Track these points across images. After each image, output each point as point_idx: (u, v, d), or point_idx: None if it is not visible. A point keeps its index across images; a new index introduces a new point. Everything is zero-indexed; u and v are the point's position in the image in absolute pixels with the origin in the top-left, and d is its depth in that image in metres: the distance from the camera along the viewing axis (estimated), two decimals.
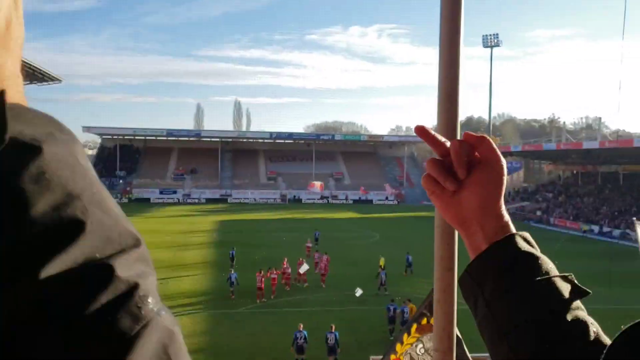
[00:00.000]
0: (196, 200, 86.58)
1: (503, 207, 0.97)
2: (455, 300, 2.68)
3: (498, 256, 0.92)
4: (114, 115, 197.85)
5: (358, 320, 23.59)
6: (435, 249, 2.77)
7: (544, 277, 0.91)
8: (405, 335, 5.59)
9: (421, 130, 0.97)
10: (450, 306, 2.70)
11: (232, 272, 28.82)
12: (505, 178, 0.97)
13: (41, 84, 78.83)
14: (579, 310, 0.93)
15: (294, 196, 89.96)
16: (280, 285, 28.76)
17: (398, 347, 5.66)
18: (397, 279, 30.06)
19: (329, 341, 18.74)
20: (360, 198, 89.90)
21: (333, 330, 18.96)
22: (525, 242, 0.94)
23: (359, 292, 23.32)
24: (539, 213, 71.64)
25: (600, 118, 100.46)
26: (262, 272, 27.09)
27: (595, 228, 59.38)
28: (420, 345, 5.87)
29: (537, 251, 0.96)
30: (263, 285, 26.73)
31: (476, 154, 0.96)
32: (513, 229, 0.96)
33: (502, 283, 0.89)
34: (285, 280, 29.38)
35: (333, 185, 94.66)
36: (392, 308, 21.59)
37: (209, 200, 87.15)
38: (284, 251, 37.67)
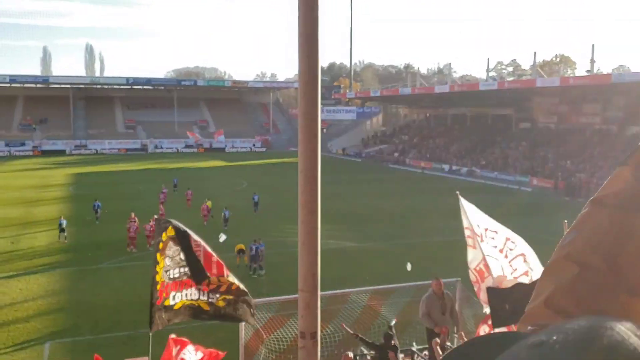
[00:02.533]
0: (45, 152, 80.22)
1: None
2: (318, 242, 2.80)
3: None
4: None
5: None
6: (300, 193, 2.84)
7: None
8: None
9: None
10: (314, 247, 2.81)
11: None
12: None
13: None
14: None
15: (155, 145, 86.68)
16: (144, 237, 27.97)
17: None
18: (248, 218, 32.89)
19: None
20: (225, 146, 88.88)
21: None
22: None
23: (222, 237, 23.33)
24: (396, 154, 75.84)
25: (450, 64, 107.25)
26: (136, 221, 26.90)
27: (446, 167, 64.26)
28: None
29: None
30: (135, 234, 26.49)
31: None
32: None
33: None
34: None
35: (198, 134, 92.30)
36: (254, 247, 23.39)
37: (60, 152, 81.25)
38: (146, 203, 36.54)
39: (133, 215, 27.58)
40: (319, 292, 2.55)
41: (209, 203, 33.23)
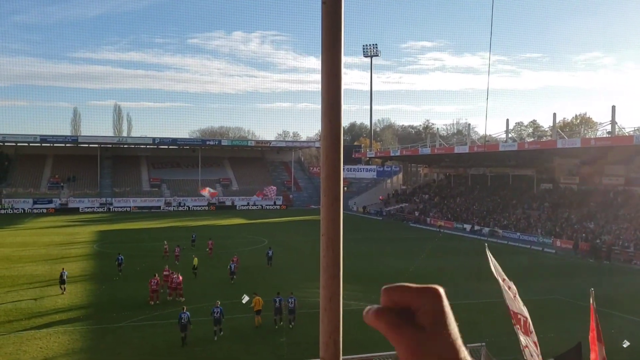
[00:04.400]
0: (76, 210, 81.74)
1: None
2: (340, 307, 2.99)
3: None
4: None
5: (246, 328, 23.67)
6: (322, 257, 3.04)
7: None
8: None
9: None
10: (336, 313, 3.00)
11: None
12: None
13: None
14: None
15: (179, 203, 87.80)
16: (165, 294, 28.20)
17: None
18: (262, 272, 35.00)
19: (214, 314, 22.39)
20: (248, 203, 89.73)
21: (218, 305, 22.67)
22: None
23: (245, 299, 23.41)
24: (416, 213, 75.64)
25: (469, 124, 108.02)
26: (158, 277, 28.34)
27: (467, 227, 63.79)
28: None
29: None
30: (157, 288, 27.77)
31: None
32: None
33: None
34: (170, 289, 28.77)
35: (221, 192, 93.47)
36: (277, 300, 23.99)
37: (89, 210, 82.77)
38: (166, 261, 36.87)
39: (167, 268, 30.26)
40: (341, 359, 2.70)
41: (195, 261, 34.91)
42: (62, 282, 29.60)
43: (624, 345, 19.58)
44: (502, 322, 17.25)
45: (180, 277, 28.95)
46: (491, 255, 8.66)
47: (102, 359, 19.88)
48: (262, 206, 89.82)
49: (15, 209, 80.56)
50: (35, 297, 28.95)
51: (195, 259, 35.02)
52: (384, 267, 38.33)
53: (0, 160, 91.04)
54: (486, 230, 60.25)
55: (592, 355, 7.27)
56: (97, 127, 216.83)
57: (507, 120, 76.83)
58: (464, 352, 0.90)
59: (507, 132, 78.57)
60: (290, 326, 23.86)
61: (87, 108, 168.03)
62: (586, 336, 8.34)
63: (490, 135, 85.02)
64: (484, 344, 18.19)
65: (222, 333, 22.78)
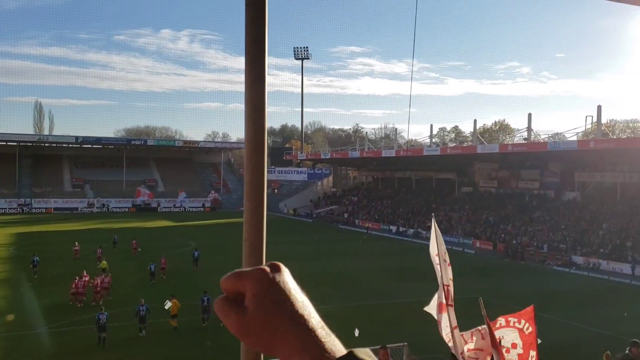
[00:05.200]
0: None
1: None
2: None
3: None
4: None
5: (169, 331, 23.54)
6: (243, 263, 3.27)
7: None
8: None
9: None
10: None
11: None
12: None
13: None
14: None
15: (103, 205, 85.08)
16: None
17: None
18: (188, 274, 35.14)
19: (140, 312, 22.95)
20: (174, 205, 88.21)
21: (143, 303, 23.13)
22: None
23: (167, 304, 23.35)
24: (346, 215, 76.97)
25: (396, 129, 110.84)
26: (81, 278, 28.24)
27: (393, 228, 65.59)
28: None
29: None
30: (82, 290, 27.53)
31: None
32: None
33: None
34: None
35: (146, 193, 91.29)
36: (205, 299, 24.66)
37: (5, 211, 78.69)
38: (87, 262, 35.91)
39: (84, 272, 29.07)
40: None
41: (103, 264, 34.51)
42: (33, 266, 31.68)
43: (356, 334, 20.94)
44: (424, 322, 18.08)
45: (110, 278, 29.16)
46: (436, 227, 8.97)
47: None
48: (186, 208, 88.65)
49: None
50: None
51: (104, 262, 34.72)
52: (314, 269, 38.89)
53: None
54: (411, 231, 62.19)
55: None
56: (16, 124, 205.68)
57: (431, 125, 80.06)
58: (288, 331, 0.91)
59: (431, 137, 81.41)
60: (205, 324, 24.39)
61: (5, 104, 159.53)
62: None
63: (414, 139, 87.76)
64: (405, 343, 18.91)
65: (144, 333, 23.01)
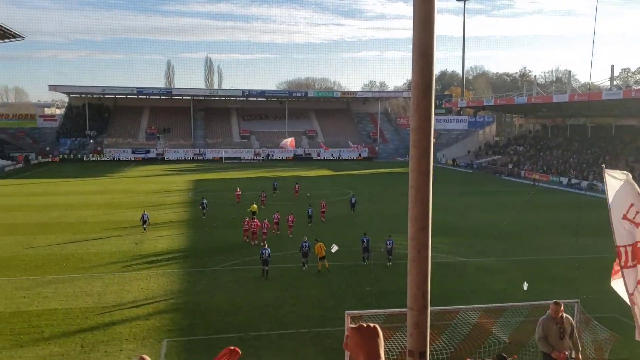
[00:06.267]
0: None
1: None
2: (429, 259, 2.71)
3: None
4: (80, 73, 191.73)
5: (332, 275, 23.98)
6: (410, 209, 2.78)
7: None
8: None
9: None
10: (424, 265, 2.73)
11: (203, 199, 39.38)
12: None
13: (2, 42, 76.05)
14: None
15: (267, 155, 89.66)
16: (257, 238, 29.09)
17: None
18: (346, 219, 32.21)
19: (303, 248, 24.78)
20: (332, 155, 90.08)
21: (306, 240, 25.13)
22: None
23: (334, 248, 23.61)
24: (510, 166, 72.81)
25: (570, 71, 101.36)
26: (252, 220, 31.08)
27: (564, 180, 60.67)
28: None
29: None
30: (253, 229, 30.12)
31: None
32: None
33: None
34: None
35: (307, 143, 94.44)
36: (365, 239, 25.98)
37: (183, 160, 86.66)
38: (259, 211, 37.90)
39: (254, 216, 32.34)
40: (429, 311, 2.46)
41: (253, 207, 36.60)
42: (143, 222, 33.35)
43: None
44: (598, 279, 16.30)
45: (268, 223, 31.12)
46: (613, 178, 7.21)
47: (198, 300, 20.87)
48: (341, 157, 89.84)
49: (116, 158, 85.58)
50: (135, 241, 30.78)
51: (254, 205, 36.90)
52: (474, 221, 37.37)
53: (101, 112, 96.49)
54: (584, 183, 57.03)
55: None
56: (190, 79, 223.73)
57: (612, 66, 71.31)
58: None
59: (611, 78, 72.99)
60: (366, 263, 25.54)
61: (179, 60, 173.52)
62: None
63: (592, 82, 79.31)
64: (578, 300, 17.32)
65: (306, 267, 24.78)
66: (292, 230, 31.96)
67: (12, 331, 17.70)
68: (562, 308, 9.92)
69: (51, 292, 21.68)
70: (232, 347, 3.25)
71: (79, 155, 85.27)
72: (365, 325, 1.93)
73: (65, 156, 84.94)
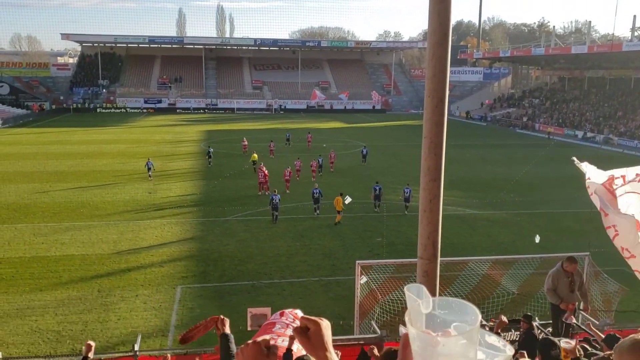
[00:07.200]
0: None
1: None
2: (440, 210, 2.73)
3: None
4: (92, 21, 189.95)
5: (343, 226, 24.21)
6: (423, 159, 2.77)
7: None
8: None
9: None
10: (435, 215, 2.75)
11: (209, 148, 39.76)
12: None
13: None
14: None
15: (280, 106, 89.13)
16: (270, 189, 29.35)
17: None
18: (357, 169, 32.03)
19: (314, 195, 25.82)
20: (345, 107, 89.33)
21: (317, 187, 26.25)
22: None
23: (348, 199, 23.76)
24: (524, 119, 71.93)
25: (590, 22, 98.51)
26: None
27: (580, 134, 59.94)
28: None
29: None
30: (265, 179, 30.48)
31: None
32: None
33: None
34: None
35: (319, 94, 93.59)
36: (377, 187, 26.98)
37: (195, 110, 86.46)
38: (268, 160, 38.02)
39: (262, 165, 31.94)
40: (439, 261, 2.50)
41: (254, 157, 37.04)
42: (148, 169, 34.29)
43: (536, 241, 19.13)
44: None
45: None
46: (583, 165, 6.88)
47: (211, 248, 21.24)
48: (354, 108, 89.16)
49: (129, 108, 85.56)
50: (149, 190, 31.14)
51: (255, 154, 37.20)
52: (486, 174, 37.25)
53: (113, 61, 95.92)
54: (600, 137, 56.35)
55: None
56: (201, 28, 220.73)
57: (634, 17, 68.99)
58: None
59: (632, 30, 70.89)
60: (377, 209, 26.35)
61: (191, 8, 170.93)
62: None
63: (612, 34, 77.21)
64: (588, 254, 17.43)
65: (317, 212, 25.78)
66: (315, 175, 33.62)
67: (32, 275, 18.20)
68: (576, 265, 9.90)
69: (68, 239, 22.16)
70: (221, 317, 3.20)
71: (92, 105, 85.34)
72: (250, 343, 1.72)
73: (80, 105, 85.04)
